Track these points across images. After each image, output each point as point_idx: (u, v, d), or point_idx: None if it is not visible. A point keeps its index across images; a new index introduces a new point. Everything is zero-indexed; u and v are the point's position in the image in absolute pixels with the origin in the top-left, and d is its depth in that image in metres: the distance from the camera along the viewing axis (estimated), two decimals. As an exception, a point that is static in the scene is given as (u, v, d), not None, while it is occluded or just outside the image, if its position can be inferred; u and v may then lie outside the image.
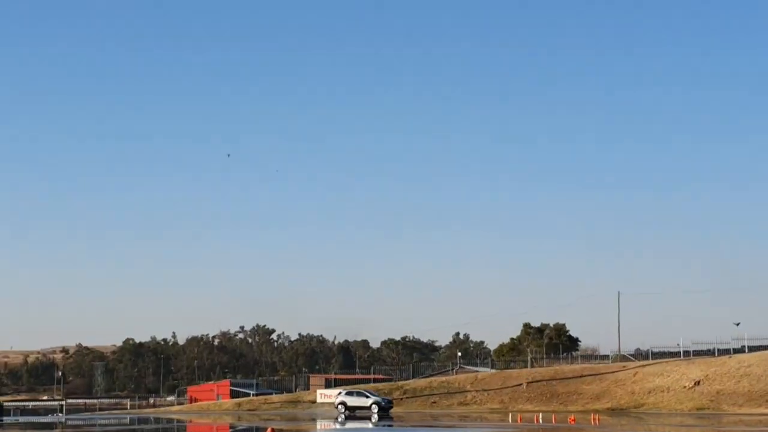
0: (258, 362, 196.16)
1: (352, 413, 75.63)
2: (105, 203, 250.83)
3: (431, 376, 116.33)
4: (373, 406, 76.58)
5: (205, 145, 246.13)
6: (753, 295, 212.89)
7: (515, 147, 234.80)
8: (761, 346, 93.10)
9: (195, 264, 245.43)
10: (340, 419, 68.97)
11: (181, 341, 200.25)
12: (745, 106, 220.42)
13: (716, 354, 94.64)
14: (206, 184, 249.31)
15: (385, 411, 76.07)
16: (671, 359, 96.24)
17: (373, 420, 66.21)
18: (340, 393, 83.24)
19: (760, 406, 78.48)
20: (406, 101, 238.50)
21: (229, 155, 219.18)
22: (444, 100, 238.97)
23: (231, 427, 62.03)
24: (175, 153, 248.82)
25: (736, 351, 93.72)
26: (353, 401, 78.71)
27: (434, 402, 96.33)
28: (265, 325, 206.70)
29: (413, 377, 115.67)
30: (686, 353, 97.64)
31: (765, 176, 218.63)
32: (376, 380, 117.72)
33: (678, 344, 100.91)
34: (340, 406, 78.77)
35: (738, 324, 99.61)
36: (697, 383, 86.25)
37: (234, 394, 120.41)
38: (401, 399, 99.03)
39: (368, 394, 79.89)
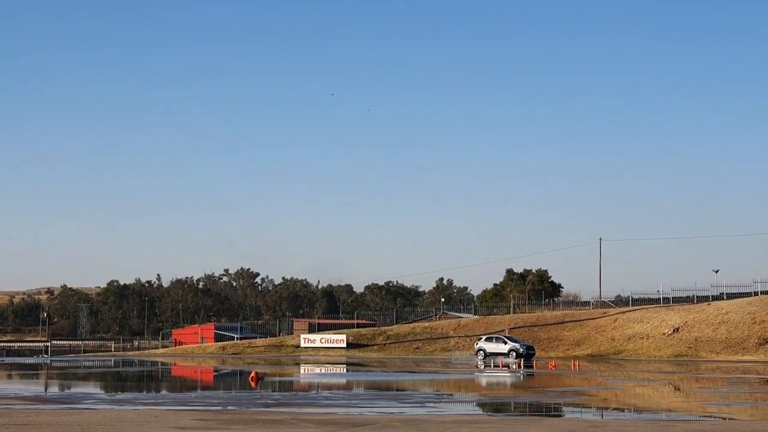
0: (242, 306, 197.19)
1: (490, 359, 73.78)
2: (93, 148, 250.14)
3: (414, 321, 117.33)
4: (511, 352, 74.51)
5: (195, 83, 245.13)
6: (732, 242, 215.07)
7: (498, 100, 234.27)
8: (739, 293, 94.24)
9: (180, 206, 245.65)
10: (478, 365, 66.85)
11: (166, 284, 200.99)
12: (720, 57, 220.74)
13: (695, 301, 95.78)
14: (192, 126, 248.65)
15: (523, 358, 73.35)
16: (651, 306, 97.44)
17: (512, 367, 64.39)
18: (480, 338, 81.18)
19: (737, 354, 79.79)
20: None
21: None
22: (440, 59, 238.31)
23: (215, 371, 62.77)
24: (163, 92, 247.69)
25: (715, 298, 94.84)
26: (492, 347, 76.63)
27: (417, 348, 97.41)
28: (249, 269, 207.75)
29: (396, 323, 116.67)
30: (666, 300, 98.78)
31: (742, 126, 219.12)
32: (359, 325, 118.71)
33: (658, 291, 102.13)
34: (479, 353, 76.86)
35: (717, 271, 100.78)
36: (676, 330, 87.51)
37: (218, 338, 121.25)
38: (384, 344, 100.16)
39: (506, 341, 77.36)
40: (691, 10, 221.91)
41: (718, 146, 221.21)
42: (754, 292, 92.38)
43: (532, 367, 64.96)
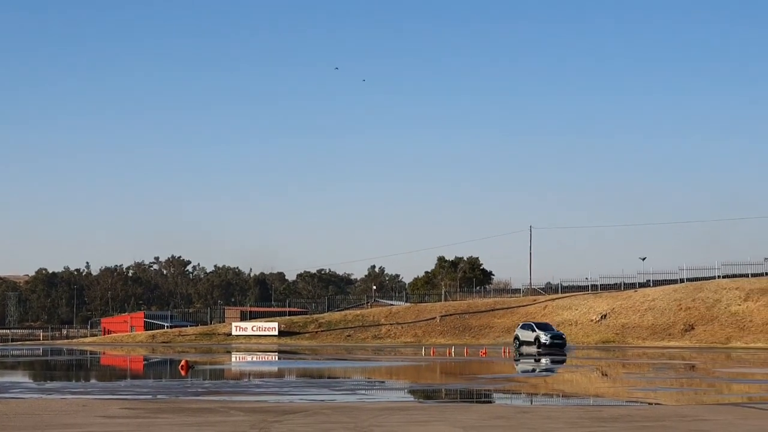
0: (173, 294, 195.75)
1: (524, 347, 71.08)
2: (18, 134, 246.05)
3: (346, 309, 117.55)
4: (536, 341, 70.63)
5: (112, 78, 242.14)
6: (659, 230, 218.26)
7: (430, 87, 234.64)
8: (665, 280, 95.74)
9: (109, 193, 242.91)
10: (515, 355, 64.12)
11: (95, 272, 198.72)
12: (642, 37, 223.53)
13: (623, 288, 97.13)
14: (120, 113, 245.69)
15: (546, 347, 69.04)
16: (580, 293, 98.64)
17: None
18: (518, 326, 77.35)
19: (663, 339, 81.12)
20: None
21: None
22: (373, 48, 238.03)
23: (145, 360, 62.31)
24: (80, 84, 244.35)
25: (642, 285, 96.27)
26: (524, 335, 72.93)
27: (349, 335, 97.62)
28: (180, 257, 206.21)
29: (328, 310, 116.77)
30: (594, 287, 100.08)
31: (669, 112, 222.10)
32: (291, 313, 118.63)
33: (587, 278, 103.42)
34: (515, 341, 73.88)
35: (644, 259, 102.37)
36: (604, 317, 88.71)
37: (148, 326, 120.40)
38: (316, 332, 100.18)
39: (535, 328, 72.35)
40: None
41: (645, 134, 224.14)
42: (680, 279, 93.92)
43: (558, 357, 59.86)
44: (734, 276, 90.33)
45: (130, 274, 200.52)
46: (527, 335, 72.16)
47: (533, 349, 69.14)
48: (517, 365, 50.88)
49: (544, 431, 18.06)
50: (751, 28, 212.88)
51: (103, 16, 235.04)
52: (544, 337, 69.95)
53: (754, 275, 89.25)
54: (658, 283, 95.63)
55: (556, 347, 68.85)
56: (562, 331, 75.19)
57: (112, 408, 23.05)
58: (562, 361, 54.04)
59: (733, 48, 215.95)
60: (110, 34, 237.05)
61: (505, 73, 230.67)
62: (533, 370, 46.05)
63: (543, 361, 55.88)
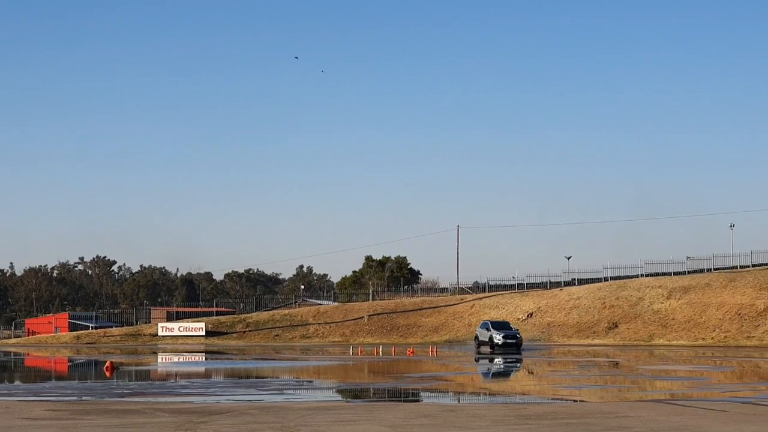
0: (98, 294, 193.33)
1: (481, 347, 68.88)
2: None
3: (274, 309, 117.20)
4: (489, 339, 67.71)
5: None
6: (583, 229, 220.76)
7: (357, 87, 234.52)
8: (590, 279, 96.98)
9: (34, 193, 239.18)
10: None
11: (19, 272, 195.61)
12: (574, 34, 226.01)
13: (548, 287, 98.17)
14: (42, 109, 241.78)
15: (499, 347, 66.16)
16: (507, 292, 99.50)
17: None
18: (478, 325, 74.65)
19: (588, 337, 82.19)
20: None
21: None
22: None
23: (70, 361, 61.52)
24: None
25: (567, 284, 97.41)
26: (482, 334, 70.12)
27: (277, 335, 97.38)
28: (105, 257, 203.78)
29: (256, 310, 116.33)
30: (521, 286, 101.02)
31: (594, 112, 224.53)
32: (219, 313, 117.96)
33: (513, 277, 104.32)
34: (476, 340, 71.47)
35: (569, 258, 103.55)
36: (530, 315, 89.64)
37: (73, 327, 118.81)
38: (244, 332, 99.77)
39: (490, 327, 68.91)
40: None
41: (570, 132, 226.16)
42: (604, 278, 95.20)
43: (512, 358, 56.77)
44: (657, 275, 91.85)
45: (54, 275, 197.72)
46: (484, 335, 69.60)
47: (488, 349, 67.31)
48: (444, 364, 51.16)
49: (470, 429, 18.22)
50: (665, 20, 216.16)
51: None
52: (497, 337, 66.96)
53: (676, 274, 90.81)
54: (583, 281, 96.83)
55: (510, 347, 66.12)
56: (517, 329, 72.35)
57: (36, 410, 22.76)
58: (494, 359, 54.45)
59: (649, 45, 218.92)
60: (23, 31, 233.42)
61: (432, 72, 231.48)
62: (466, 368, 46.35)
63: (483, 361, 56.27)
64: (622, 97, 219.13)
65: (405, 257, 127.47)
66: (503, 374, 42.53)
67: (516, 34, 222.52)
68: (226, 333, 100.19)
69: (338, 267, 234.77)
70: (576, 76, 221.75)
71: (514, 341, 66.73)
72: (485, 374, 42.16)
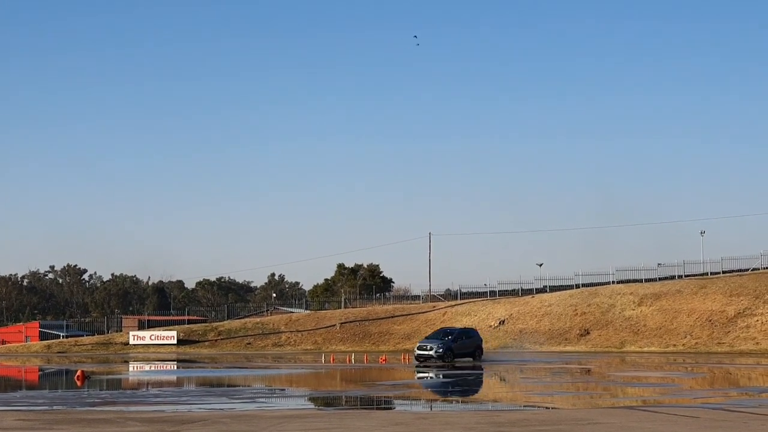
0: (69, 303, 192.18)
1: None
2: None
3: (246, 317, 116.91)
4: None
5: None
6: (555, 236, 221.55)
7: (325, 92, 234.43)
8: (561, 286, 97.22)
9: (2, 200, 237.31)
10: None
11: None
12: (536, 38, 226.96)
13: (520, 294, 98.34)
14: (10, 115, 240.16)
15: (440, 359, 59.89)
16: (479, 299, 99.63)
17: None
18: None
19: (560, 344, 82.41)
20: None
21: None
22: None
23: (40, 370, 61.11)
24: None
25: (539, 291, 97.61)
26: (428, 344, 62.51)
27: (249, 343, 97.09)
28: (76, 265, 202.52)
29: (228, 318, 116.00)
30: (493, 293, 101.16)
31: (563, 118, 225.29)
32: (190, 321, 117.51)
33: (485, 284, 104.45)
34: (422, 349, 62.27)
35: (541, 265, 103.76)
36: (502, 322, 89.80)
37: (43, 336, 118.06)
38: (216, 340, 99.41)
39: (429, 343, 62.31)
40: None
41: (541, 139, 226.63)
42: (576, 285, 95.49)
43: (461, 363, 55.89)
44: (628, 281, 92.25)
45: (24, 283, 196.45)
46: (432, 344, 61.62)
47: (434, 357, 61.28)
48: (417, 373, 51.17)
49: (443, 437, 18.24)
50: (631, 25, 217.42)
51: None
52: (436, 350, 60.25)
53: (647, 280, 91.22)
54: (554, 288, 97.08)
55: (445, 359, 60.14)
56: (474, 334, 66.04)
57: (7, 420, 22.60)
58: (464, 367, 54.52)
59: (620, 51, 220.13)
60: None
61: (404, 79, 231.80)
62: (435, 376, 46.37)
63: (435, 369, 56.32)
64: (593, 103, 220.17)
65: (377, 265, 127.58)
66: (475, 381, 42.58)
67: (485, 42, 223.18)
68: (198, 341, 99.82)
69: (310, 275, 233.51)
70: (543, 80, 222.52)
71: (444, 353, 60.15)
72: (456, 382, 42.19)
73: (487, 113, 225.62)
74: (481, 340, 66.33)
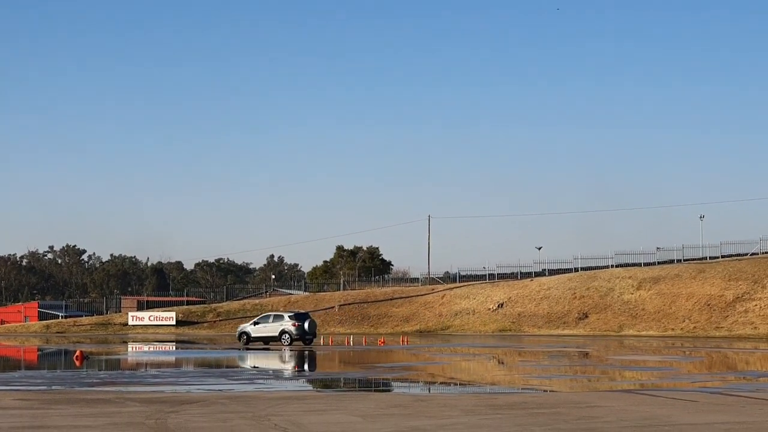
0: (68, 284, 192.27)
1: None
2: None
3: (245, 298, 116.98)
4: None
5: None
6: (554, 220, 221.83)
7: (324, 77, 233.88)
8: (560, 269, 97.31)
9: (2, 181, 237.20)
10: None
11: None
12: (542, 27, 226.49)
13: (519, 277, 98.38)
14: (6, 97, 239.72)
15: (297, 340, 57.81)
16: (477, 282, 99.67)
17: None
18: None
19: (558, 328, 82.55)
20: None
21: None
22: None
23: (39, 350, 61.21)
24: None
25: (538, 274, 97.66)
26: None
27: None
28: (75, 246, 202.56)
29: (227, 300, 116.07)
30: (491, 276, 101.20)
31: (561, 102, 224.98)
32: (189, 302, 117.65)
33: (484, 267, 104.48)
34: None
35: (540, 248, 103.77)
36: (501, 305, 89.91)
37: (42, 316, 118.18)
38: (215, 322, 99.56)
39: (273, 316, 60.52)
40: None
41: (540, 124, 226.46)
42: (575, 269, 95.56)
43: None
44: (627, 265, 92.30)
45: (23, 263, 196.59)
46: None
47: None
48: (415, 354, 51.23)
49: (441, 419, 18.27)
50: (624, 10, 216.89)
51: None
52: (293, 330, 57.74)
53: (646, 264, 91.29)
54: (553, 272, 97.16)
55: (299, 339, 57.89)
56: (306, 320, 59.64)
57: (6, 399, 22.64)
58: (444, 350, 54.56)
59: (615, 37, 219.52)
60: None
61: (401, 65, 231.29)
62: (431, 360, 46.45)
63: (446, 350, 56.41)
64: (591, 88, 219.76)
65: (377, 247, 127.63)
66: (473, 364, 42.63)
67: (479, 29, 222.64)
68: (197, 323, 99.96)
69: (309, 257, 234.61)
70: (547, 68, 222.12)
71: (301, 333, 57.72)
72: (455, 364, 42.25)
73: (487, 98, 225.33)
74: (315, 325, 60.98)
